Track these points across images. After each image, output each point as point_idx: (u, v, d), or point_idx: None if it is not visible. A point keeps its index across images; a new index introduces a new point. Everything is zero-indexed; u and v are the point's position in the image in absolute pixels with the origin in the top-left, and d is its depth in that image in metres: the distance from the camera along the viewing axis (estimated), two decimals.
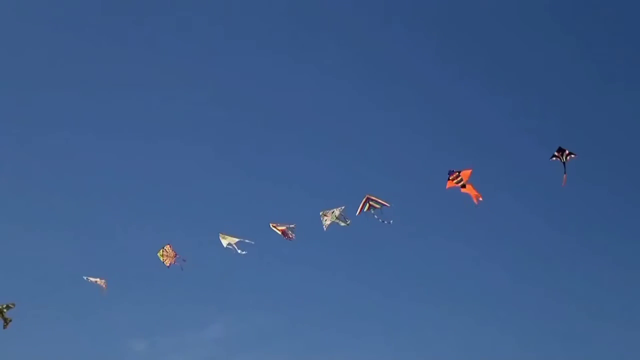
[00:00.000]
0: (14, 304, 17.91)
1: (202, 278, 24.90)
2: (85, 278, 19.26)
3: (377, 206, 17.50)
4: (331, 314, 29.10)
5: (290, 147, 32.50)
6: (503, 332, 28.24)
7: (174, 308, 28.25)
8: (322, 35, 32.99)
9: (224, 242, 18.34)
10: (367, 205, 17.57)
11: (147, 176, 31.40)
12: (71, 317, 27.15)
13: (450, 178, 17.16)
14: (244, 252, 18.34)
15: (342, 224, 17.80)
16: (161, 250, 18.88)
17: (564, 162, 16.52)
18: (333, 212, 17.76)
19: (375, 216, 17.55)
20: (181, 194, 31.22)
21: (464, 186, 17.19)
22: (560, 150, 16.57)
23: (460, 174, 17.10)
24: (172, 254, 18.80)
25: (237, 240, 18.13)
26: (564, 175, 16.57)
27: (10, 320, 17.69)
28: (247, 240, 18.14)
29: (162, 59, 32.69)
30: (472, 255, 30.40)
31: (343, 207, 17.84)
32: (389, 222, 17.58)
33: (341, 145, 32.16)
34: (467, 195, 17.29)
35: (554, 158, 16.61)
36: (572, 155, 16.51)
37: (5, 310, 17.74)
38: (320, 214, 17.76)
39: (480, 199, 17.26)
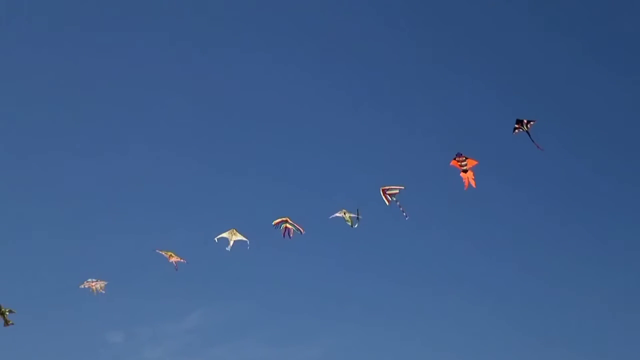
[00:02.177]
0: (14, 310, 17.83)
1: (179, 269, 24.49)
2: (83, 286, 19.02)
3: (396, 191, 17.65)
4: (309, 303, 29.11)
5: (284, 145, 32.40)
6: (492, 314, 28.74)
7: (151, 299, 27.85)
8: (314, 35, 32.79)
9: (226, 235, 18.33)
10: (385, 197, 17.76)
11: (128, 175, 30.88)
12: (47, 310, 26.52)
13: (457, 159, 17.31)
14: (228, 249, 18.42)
15: (350, 223, 18.11)
16: (172, 254, 18.76)
17: (527, 132, 16.52)
18: (349, 213, 18.00)
19: (398, 203, 17.72)
20: (161, 192, 30.86)
21: (465, 171, 17.39)
22: (519, 122, 16.55)
23: (467, 160, 17.31)
24: (175, 258, 18.88)
25: (239, 238, 18.32)
26: (536, 144, 16.59)
27: (12, 323, 17.57)
28: (244, 239, 18.37)
29: (156, 60, 32.02)
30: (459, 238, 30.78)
31: (358, 217, 17.95)
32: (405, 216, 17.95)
33: (338, 144, 32.13)
34: (461, 180, 17.52)
35: (517, 131, 16.57)
36: (532, 122, 16.50)
37: (7, 313, 17.76)
38: (342, 210, 18.22)
39: (474, 186, 17.49)
